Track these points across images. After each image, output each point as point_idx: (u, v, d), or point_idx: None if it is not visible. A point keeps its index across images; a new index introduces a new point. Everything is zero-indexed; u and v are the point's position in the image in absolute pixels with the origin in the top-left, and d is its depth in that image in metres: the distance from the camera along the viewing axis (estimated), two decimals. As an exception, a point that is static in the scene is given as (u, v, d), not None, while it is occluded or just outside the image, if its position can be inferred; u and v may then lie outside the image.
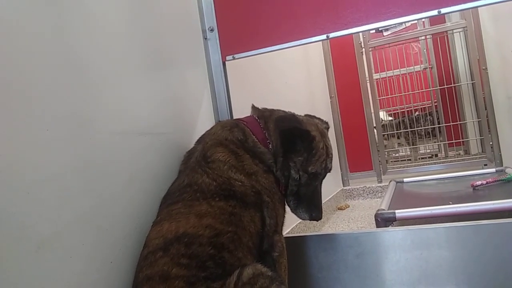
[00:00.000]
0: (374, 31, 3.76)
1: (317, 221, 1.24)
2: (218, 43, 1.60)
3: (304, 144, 1.17)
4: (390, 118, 4.31)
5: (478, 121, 3.63)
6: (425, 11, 1.32)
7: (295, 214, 1.25)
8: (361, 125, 3.81)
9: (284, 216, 1.21)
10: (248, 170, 1.11)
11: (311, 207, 1.21)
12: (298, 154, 1.17)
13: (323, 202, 1.27)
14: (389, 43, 3.81)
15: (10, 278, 0.73)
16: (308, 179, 1.19)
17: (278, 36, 1.50)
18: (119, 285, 0.98)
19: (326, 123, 1.35)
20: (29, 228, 0.77)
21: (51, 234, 0.82)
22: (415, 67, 4.18)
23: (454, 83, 3.98)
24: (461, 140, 4.01)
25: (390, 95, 4.00)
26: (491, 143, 3.39)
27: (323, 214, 1.24)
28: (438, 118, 4.12)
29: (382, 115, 4.18)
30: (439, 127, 4.04)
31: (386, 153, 4.01)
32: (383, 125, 4.11)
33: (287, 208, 1.24)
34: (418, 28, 4.21)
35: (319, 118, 1.35)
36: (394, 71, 3.97)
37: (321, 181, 1.24)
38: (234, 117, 1.54)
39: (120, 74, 1.11)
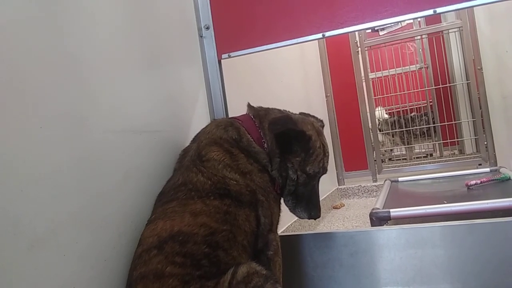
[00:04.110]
0: (370, 30, 3.78)
1: (315, 219, 1.24)
2: (214, 41, 1.60)
3: (300, 144, 1.16)
4: (387, 116, 4.33)
5: (473, 121, 3.65)
6: (421, 11, 1.33)
7: (293, 213, 1.26)
8: (357, 125, 3.82)
9: (279, 215, 1.21)
10: (242, 169, 1.10)
11: (310, 206, 1.22)
12: (295, 154, 1.17)
13: (318, 201, 1.27)
14: (385, 43, 3.82)
15: (3, 276, 0.72)
16: (306, 178, 1.19)
17: (274, 34, 1.50)
18: (113, 283, 0.98)
19: (321, 121, 1.35)
20: (22, 226, 0.77)
21: (45, 232, 0.81)
22: (410, 66, 4.21)
23: (449, 83, 4.01)
24: (456, 139, 4.03)
25: (386, 94, 4.02)
26: (485, 142, 3.41)
27: (319, 213, 1.24)
28: (433, 118, 4.14)
29: (379, 113, 4.20)
30: (434, 126, 4.06)
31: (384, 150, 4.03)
32: (380, 122, 4.12)
33: (283, 207, 1.24)
34: (414, 28, 4.23)
35: (313, 116, 1.35)
36: (390, 70, 3.99)
37: (319, 180, 1.24)
38: (230, 116, 1.54)
39: (115, 72, 1.11)
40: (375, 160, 3.79)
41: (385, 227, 1.66)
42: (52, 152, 0.86)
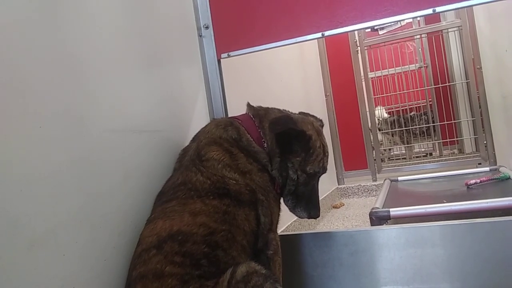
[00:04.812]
0: (369, 29, 3.77)
1: (315, 218, 1.24)
2: (213, 40, 1.59)
3: (301, 144, 1.16)
4: (386, 116, 4.34)
5: (473, 120, 3.65)
6: (420, 10, 1.33)
7: (293, 213, 1.26)
8: (356, 124, 3.82)
9: (279, 215, 1.21)
10: (242, 168, 1.10)
11: (309, 206, 1.22)
12: (296, 154, 1.17)
13: (318, 200, 1.27)
14: (384, 42, 3.82)
15: (3, 275, 0.72)
16: (306, 178, 1.19)
17: (274, 33, 1.50)
18: (113, 283, 0.98)
19: (321, 120, 1.35)
20: (22, 226, 0.77)
21: (45, 231, 0.81)
22: (410, 66, 4.21)
23: (449, 82, 4.01)
24: (455, 139, 4.04)
25: (385, 94, 4.02)
26: (485, 142, 3.41)
27: (318, 213, 1.24)
28: (432, 117, 4.14)
29: (379, 112, 4.20)
30: (433, 126, 4.06)
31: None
32: (379, 122, 4.12)
33: (283, 206, 1.24)
34: (414, 27, 4.23)
35: (313, 116, 1.35)
36: (389, 70, 3.99)
37: (318, 179, 1.25)
38: (229, 115, 1.54)
39: (115, 72, 1.11)
40: (374, 160, 3.79)
41: (384, 227, 1.66)
42: (51, 152, 0.86)
